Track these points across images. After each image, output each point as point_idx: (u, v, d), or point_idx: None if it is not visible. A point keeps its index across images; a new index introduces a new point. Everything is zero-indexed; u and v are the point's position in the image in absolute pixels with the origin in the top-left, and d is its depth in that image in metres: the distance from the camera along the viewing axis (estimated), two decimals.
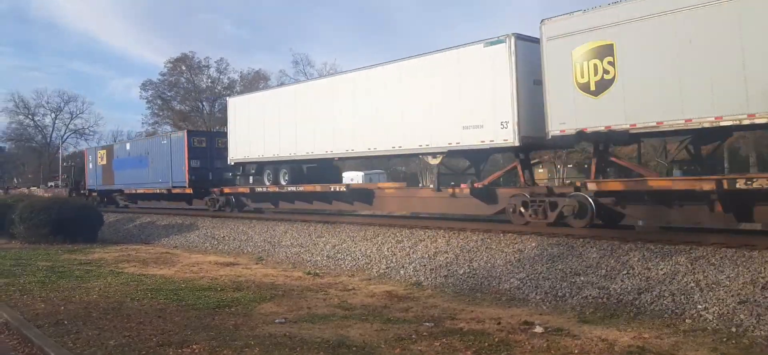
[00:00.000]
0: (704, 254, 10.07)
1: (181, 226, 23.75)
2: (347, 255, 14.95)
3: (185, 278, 13.18)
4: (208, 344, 7.25)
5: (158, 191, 30.18)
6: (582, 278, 10.56)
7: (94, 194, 36.24)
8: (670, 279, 9.61)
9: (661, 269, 9.98)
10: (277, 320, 8.74)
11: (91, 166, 36.99)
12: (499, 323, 8.62)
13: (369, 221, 17.64)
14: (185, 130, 28.88)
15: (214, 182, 26.98)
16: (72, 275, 13.24)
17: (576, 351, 7.07)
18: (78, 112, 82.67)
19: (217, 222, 22.77)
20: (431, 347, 7.27)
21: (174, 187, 28.50)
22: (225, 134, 26.39)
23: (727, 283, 9.00)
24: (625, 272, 10.30)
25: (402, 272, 13.03)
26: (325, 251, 15.70)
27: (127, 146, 34.16)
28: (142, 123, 71.45)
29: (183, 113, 67.58)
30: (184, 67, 66.77)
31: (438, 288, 11.67)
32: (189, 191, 27.89)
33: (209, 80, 67.87)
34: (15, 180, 67.35)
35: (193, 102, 67.74)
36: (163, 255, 17.88)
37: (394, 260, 13.75)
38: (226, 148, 25.09)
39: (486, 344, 7.43)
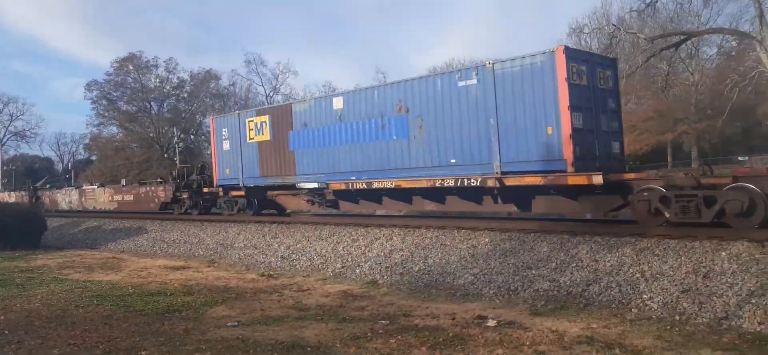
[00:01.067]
0: (649, 245, 10.41)
1: (129, 230, 23.05)
2: (302, 255, 14.81)
3: (133, 283, 12.79)
4: (157, 349, 7.05)
5: (459, 184, 14.58)
6: (533, 272, 10.77)
7: (237, 192, 21.82)
8: (616, 270, 9.90)
9: (608, 261, 10.27)
10: (229, 324, 8.58)
11: (227, 146, 21.75)
12: (453, 318, 8.70)
13: (324, 220, 17.52)
14: (559, 48, 13.05)
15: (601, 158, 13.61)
16: (12, 283, 12.66)
17: (527, 343, 7.20)
18: (18, 114, 79.22)
19: (166, 225, 22.19)
20: (387, 344, 7.27)
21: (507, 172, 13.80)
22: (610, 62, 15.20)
23: (671, 273, 9.34)
24: (574, 264, 10.56)
25: (358, 270, 12.99)
26: (280, 252, 15.51)
27: (337, 102, 17.74)
28: (87, 125, 69.12)
29: (130, 114, 65.58)
30: (131, 67, 64.68)
31: (393, 286, 11.69)
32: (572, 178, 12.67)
33: (157, 80, 66.04)
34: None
35: (140, 102, 65.77)
36: (110, 260, 17.31)
37: (349, 259, 13.70)
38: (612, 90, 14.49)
39: (441, 339, 7.49)
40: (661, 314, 8.35)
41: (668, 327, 7.78)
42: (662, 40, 31.05)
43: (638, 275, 9.55)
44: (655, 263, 9.77)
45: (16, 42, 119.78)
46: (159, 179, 29.37)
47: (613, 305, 8.95)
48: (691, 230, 10.65)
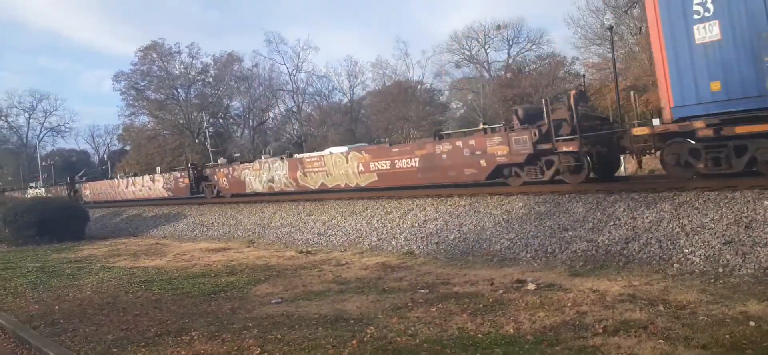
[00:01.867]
0: (688, 198, 10.25)
1: (169, 216, 23.64)
2: (338, 231, 15.02)
3: (178, 267, 13.17)
4: (206, 329, 7.30)
5: None
6: (570, 233, 10.73)
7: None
8: (656, 226, 9.80)
9: (647, 218, 10.16)
10: (273, 301, 8.81)
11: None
12: (492, 284, 8.76)
13: (357, 195, 17.67)
14: None
15: None
16: (63, 274, 13.17)
17: (569, 304, 7.22)
18: (52, 110, 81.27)
19: (204, 209, 22.68)
20: (428, 313, 7.38)
21: None
22: None
23: (712, 225, 9.20)
24: (611, 223, 10.48)
25: (393, 242, 13.12)
26: (316, 229, 15.75)
27: None
28: (118, 115, 70.54)
29: (159, 102, 66.53)
30: (154, 55, 65.38)
31: (430, 255, 11.80)
32: None
33: (182, 66, 66.69)
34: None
35: (167, 89, 66.62)
36: (154, 246, 17.83)
37: (384, 232, 13.84)
38: None
39: (481, 305, 7.56)
40: (704, 267, 8.26)
41: (712, 280, 7.70)
42: None
43: (678, 230, 9.44)
44: (695, 216, 9.63)
45: (39, 38, 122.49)
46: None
47: (654, 262, 8.89)
48: (731, 181, 10.41)
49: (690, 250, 8.81)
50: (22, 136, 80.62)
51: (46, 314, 8.96)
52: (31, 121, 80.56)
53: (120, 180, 33.19)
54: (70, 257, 16.56)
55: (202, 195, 25.66)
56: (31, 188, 47.31)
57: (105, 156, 79.54)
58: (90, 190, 36.20)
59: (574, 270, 9.24)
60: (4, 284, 12.16)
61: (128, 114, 69.17)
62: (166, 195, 28.28)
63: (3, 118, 79.02)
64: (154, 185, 29.41)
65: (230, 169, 24.24)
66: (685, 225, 9.50)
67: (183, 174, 27.04)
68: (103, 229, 25.41)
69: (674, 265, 8.61)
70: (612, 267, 9.06)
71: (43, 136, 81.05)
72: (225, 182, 24.23)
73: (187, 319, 7.98)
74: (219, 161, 28.19)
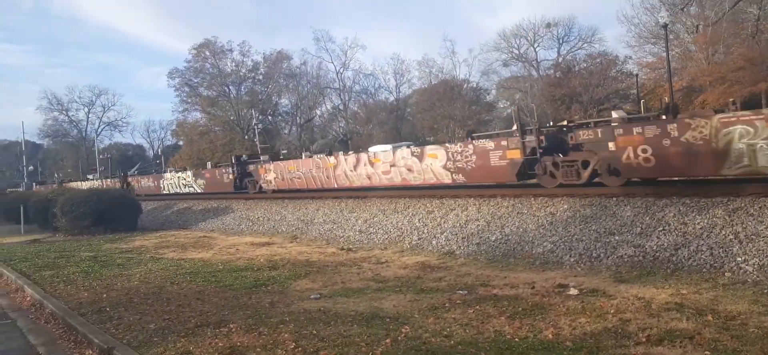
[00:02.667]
0: (742, 205, 9.79)
1: (217, 210, 24.20)
2: (379, 229, 15.04)
3: (222, 259, 13.47)
4: (244, 322, 7.42)
5: None
6: (617, 238, 10.41)
7: None
8: (707, 233, 9.40)
9: (698, 223, 9.76)
10: (312, 296, 8.89)
11: None
12: (533, 287, 8.59)
13: (399, 193, 17.65)
14: None
15: None
16: (114, 264, 13.66)
17: (612, 311, 7.00)
18: (110, 105, 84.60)
19: (250, 204, 23.12)
20: (465, 314, 7.29)
21: None
22: None
23: (767, 233, 8.77)
24: (660, 228, 10.11)
25: (434, 242, 13.05)
26: (358, 226, 15.82)
27: None
28: (172, 111, 72.81)
29: (211, 99, 68.30)
30: (207, 53, 67.21)
31: (471, 256, 11.67)
32: None
33: (233, 64, 68.26)
34: (56, 175, 69.56)
35: (219, 87, 68.31)
36: (201, 239, 18.28)
37: (425, 231, 13.77)
38: None
39: (520, 308, 7.42)
40: (758, 277, 7.87)
41: (765, 291, 7.33)
42: None
43: (731, 237, 9.03)
44: (749, 223, 9.19)
45: (96, 34, 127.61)
46: None
47: (704, 270, 8.53)
48: None
49: (743, 258, 8.41)
50: (82, 129, 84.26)
51: (95, 302, 9.30)
52: (90, 115, 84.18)
53: (165, 175, 34.78)
54: (121, 248, 17.16)
55: (245, 190, 26.36)
56: (88, 179, 49.25)
57: (159, 150, 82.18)
58: (137, 183, 37.44)
59: (619, 276, 8.96)
60: (58, 272, 12.70)
61: (181, 110, 71.39)
62: (208, 191, 29.53)
63: (64, 112, 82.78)
64: (196, 180, 30.74)
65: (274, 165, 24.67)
66: (738, 232, 9.07)
67: (227, 170, 27.95)
68: (155, 221, 26.22)
69: (726, 273, 8.23)
70: (659, 274, 8.74)
71: (101, 131, 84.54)
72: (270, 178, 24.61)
73: (227, 311, 8.14)
74: (261, 158, 28.14)
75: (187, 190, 31.30)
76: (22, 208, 26.77)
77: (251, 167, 26.39)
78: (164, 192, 33.47)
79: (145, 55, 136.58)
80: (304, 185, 22.41)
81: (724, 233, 9.22)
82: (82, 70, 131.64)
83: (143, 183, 36.90)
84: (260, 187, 25.28)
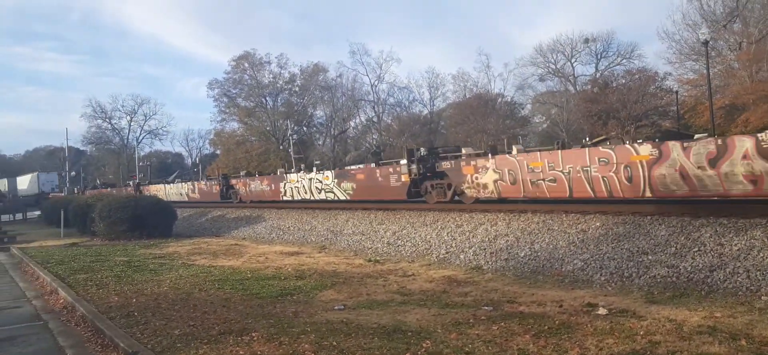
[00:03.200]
0: None
1: (249, 218, 24.50)
2: (407, 241, 14.97)
3: (251, 268, 13.59)
4: (266, 331, 7.45)
5: None
6: (650, 257, 10.12)
7: None
8: (745, 255, 9.05)
9: (735, 245, 9.41)
10: (336, 307, 8.88)
11: None
12: (560, 306, 8.40)
13: (429, 207, 17.57)
14: None
15: None
16: (146, 269, 13.93)
17: (641, 333, 6.78)
18: (151, 114, 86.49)
19: (282, 213, 23.33)
20: (489, 330, 7.17)
21: None
22: None
23: None
24: (696, 249, 9.79)
25: (462, 256, 12.92)
26: (386, 238, 15.78)
27: None
28: (211, 121, 74.26)
29: (248, 109, 69.44)
30: (246, 65, 68.48)
31: (498, 272, 11.51)
32: None
33: (271, 75, 69.33)
34: (97, 180, 71.81)
35: (256, 98, 69.42)
36: (233, 247, 18.51)
37: (453, 245, 13.65)
38: None
39: (546, 327, 7.25)
40: None
41: None
42: None
43: None
44: None
45: (143, 46, 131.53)
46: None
47: (740, 293, 8.21)
48: None
49: None
50: (124, 137, 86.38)
51: (124, 306, 9.49)
52: (132, 123, 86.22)
53: (288, 176, 32.20)
54: (155, 253, 17.49)
55: (230, 200, 30.88)
56: (128, 185, 50.42)
57: (197, 159, 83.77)
58: (243, 187, 35.67)
59: (651, 297, 8.70)
60: (92, 276, 13.01)
61: (220, 120, 72.70)
62: (201, 199, 34.49)
63: (108, 120, 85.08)
64: (194, 189, 35.66)
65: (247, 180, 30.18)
66: None
67: (214, 183, 33.06)
68: (190, 228, 26.69)
69: (762, 297, 7.90)
70: (693, 296, 8.45)
71: (142, 139, 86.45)
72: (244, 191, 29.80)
73: (250, 319, 8.19)
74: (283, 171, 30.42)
75: (323, 196, 24.08)
76: (62, 212, 27.60)
77: (446, 165, 18.08)
78: (286, 198, 26.62)
79: (188, 66, 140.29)
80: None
81: (762, 255, 8.87)
82: (127, 80, 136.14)
83: (253, 187, 29.48)
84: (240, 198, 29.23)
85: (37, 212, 43.78)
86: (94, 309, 9.22)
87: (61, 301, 10.73)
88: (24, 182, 68.47)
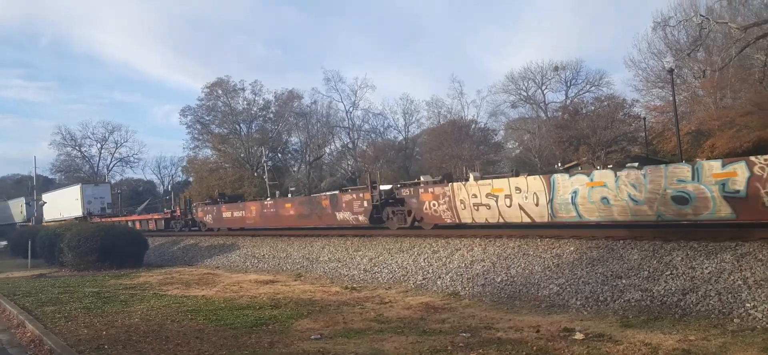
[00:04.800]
0: (751, 250, 9.65)
1: (223, 246, 24.16)
2: (384, 268, 14.92)
3: (225, 297, 13.36)
4: None
5: None
6: (624, 281, 10.26)
7: None
8: (715, 278, 9.24)
9: (706, 268, 9.60)
10: (312, 337, 8.76)
11: None
12: (538, 331, 8.43)
13: (405, 232, 17.57)
14: None
15: None
16: (117, 300, 13.58)
17: None
18: (122, 141, 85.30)
19: (257, 241, 23.07)
20: None
21: None
22: None
23: None
24: (668, 272, 9.95)
25: (439, 282, 12.91)
26: (362, 265, 15.70)
27: None
28: (183, 148, 73.34)
29: (222, 136, 68.92)
30: (220, 92, 68.10)
31: (475, 297, 11.52)
32: None
33: (245, 102, 69.08)
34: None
35: (230, 124, 69.00)
36: (206, 276, 18.19)
37: (430, 271, 13.65)
38: None
39: (523, 352, 7.27)
40: (767, 323, 7.68)
41: None
42: (757, 28, 28.63)
43: (740, 283, 8.86)
44: (758, 268, 9.03)
45: (114, 72, 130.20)
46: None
47: (713, 316, 8.35)
48: None
49: (752, 304, 8.23)
50: (94, 165, 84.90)
51: (94, 339, 9.21)
52: (102, 151, 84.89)
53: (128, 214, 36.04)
54: (125, 284, 17.09)
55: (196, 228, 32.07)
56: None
57: (169, 187, 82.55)
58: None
59: (626, 321, 8.79)
60: (61, 308, 12.62)
61: (193, 147, 71.87)
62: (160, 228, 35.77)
63: (77, 148, 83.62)
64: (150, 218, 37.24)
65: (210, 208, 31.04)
66: (747, 278, 8.91)
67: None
68: (161, 257, 26.20)
69: (734, 320, 8.05)
70: (667, 319, 8.57)
71: (113, 166, 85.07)
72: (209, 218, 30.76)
73: (225, 350, 8.02)
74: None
75: (141, 226, 30.38)
76: (29, 242, 26.86)
77: (405, 192, 19.22)
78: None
79: (159, 92, 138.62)
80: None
81: (732, 278, 9.06)
82: (97, 107, 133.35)
83: (228, 214, 28.89)
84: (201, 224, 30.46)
85: (4, 242, 42.51)
86: (62, 342, 8.93)
87: (28, 334, 10.38)
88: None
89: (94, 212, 44.04)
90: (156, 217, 38.09)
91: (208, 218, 30.70)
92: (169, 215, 37.02)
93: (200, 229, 31.51)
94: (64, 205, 47.66)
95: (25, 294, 15.20)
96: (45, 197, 53.03)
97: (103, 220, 37.23)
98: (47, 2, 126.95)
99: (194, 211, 33.31)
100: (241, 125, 69.22)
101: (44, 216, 49.42)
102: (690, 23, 31.27)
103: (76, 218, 41.38)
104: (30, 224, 47.14)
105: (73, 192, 47.54)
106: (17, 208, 59.22)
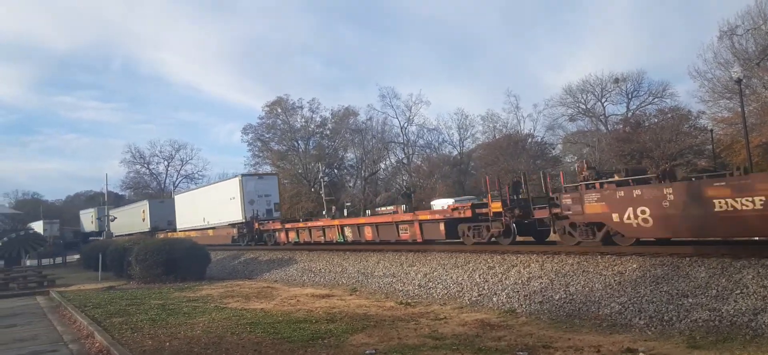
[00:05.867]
0: None
1: (281, 260, 24.63)
2: (438, 283, 14.83)
3: (283, 310, 13.60)
4: None
5: None
6: (690, 300, 9.82)
7: None
8: None
9: None
10: (367, 352, 8.80)
11: None
12: (598, 351, 8.19)
13: (460, 248, 17.42)
14: None
15: None
16: (180, 312, 14.06)
17: None
18: (188, 159, 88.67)
19: (313, 255, 23.40)
20: None
21: None
22: None
23: None
24: (738, 291, 9.46)
25: (495, 299, 12.72)
26: (417, 280, 15.67)
27: None
28: (245, 165, 75.29)
29: (281, 153, 70.60)
30: (279, 110, 70.01)
31: (533, 315, 11.29)
32: None
33: (303, 120, 70.67)
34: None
35: (289, 142, 70.62)
36: (265, 289, 18.58)
37: (486, 287, 13.47)
38: None
39: None
40: None
41: None
42: None
43: None
44: None
45: (180, 93, 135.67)
46: None
47: None
48: None
49: None
50: (161, 181, 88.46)
51: (158, 351, 9.57)
52: (169, 168, 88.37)
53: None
54: (189, 296, 17.67)
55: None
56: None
57: None
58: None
59: (693, 342, 8.41)
60: (128, 319, 13.20)
61: (253, 164, 73.95)
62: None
63: (146, 165, 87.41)
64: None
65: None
66: None
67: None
68: (222, 270, 26.93)
69: None
70: (737, 340, 8.14)
71: (179, 183, 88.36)
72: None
73: None
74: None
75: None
76: (100, 256, 28.20)
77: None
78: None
79: (222, 111, 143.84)
80: None
81: None
82: (164, 126, 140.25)
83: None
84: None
85: (76, 256, 44.76)
86: (128, 353, 9.33)
87: (96, 344, 10.89)
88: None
89: (260, 213, 33.10)
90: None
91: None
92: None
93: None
94: (202, 209, 38.27)
95: (95, 306, 15.96)
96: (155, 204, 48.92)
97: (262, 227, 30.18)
98: (117, 27, 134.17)
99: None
100: (299, 142, 70.81)
101: (178, 223, 42.51)
102: (758, 32, 29.85)
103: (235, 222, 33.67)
104: (101, 238, 46.67)
105: (230, 187, 35.13)
106: (88, 218, 60.96)
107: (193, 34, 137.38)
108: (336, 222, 24.57)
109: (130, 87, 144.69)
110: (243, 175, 34.33)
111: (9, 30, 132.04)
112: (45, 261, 42.21)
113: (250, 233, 31.22)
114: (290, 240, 27.08)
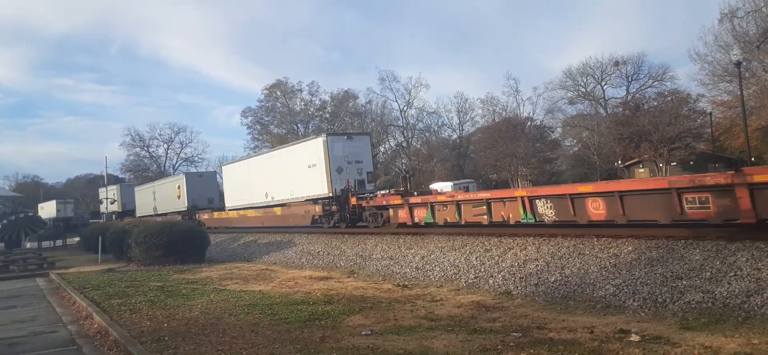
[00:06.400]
0: None
1: (280, 243, 24.72)
2: (436, 266, 14.92)
3: (281, 293, 13.70)
4: None
5: None
6: (684, 282, 9.89)
7: None
8: None
9: None
10: (363, 332, 8.89)
11: None
12: (591, 332, 8.26)
13: (457, 231, 17.49)
14: None
15: None
16: (179, 294, 14.16)
17: None
18: (187, 142, 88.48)
19: (312, 238, 23.49)
20: None
21: None
22: None
23: None
24: (732, 273, 9.53)
25: (491, 281, 12.81)
26: (414, 263, 15.76)
27: None
28: (244, 148, 75.36)
29: (280, 136, 70.56)
30: (279, 93, 69.89)
31: (528, 297, 11.37)
32: None
33: (302, 103, 70.59)
34: None
35: (288, 125, 70.56)
36: (263, 271, 18.69)
37: (482, 270, 13.56)
38: None
39: (576, 353, 7.14)
40: None
41: None
42: None
43: None
44: None
45: (180, 76, 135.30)
46: None
47: None
48: None
49: None
50: (161, 164, 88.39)
51: (155, 331, 9.67)
52: (169, 151, 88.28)
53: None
54: (188, 278, 17.77)
55: None
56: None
57: None
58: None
59: (685, 323, 8.48)
60: (126, 301, 13.30)
61: (253, 147, 73.95)
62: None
63: (145, 148, 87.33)
64: None
65: None
66: None
67: None
68: (222, 253, 27.06)
69: None
70: (729, 322, 8.22)
71: (179, 166, 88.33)
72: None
73: (278, 344, 8.27)
74: None
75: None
76: (99, 238, 28.29)
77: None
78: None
79: (222, 94, 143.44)
80: None
81: None
82: (163, 109, 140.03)
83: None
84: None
85: (77, 239, 44.88)
86: (126, 334, 9.42)
87: (95, 325, 10.99)
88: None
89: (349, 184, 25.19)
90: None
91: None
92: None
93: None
94: (263, 182, 30.63)
95: (94, 287, 16.06)
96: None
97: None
98: (116, 9, 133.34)
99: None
100: (299, 125, 70.71)
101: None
102: (759, 14, 29.70)
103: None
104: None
105: (308, 151, 26.63)
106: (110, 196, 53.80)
107: (193, 16, 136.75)
108: (520, 193, 15.88)
109: (129, 69, 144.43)
110: (328, 134, 26.16)
111: (6, 11, 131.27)
112: (45, 244, 42.39)
113: (341, 211, 24.09)
114: (418, 220, 19.47)
